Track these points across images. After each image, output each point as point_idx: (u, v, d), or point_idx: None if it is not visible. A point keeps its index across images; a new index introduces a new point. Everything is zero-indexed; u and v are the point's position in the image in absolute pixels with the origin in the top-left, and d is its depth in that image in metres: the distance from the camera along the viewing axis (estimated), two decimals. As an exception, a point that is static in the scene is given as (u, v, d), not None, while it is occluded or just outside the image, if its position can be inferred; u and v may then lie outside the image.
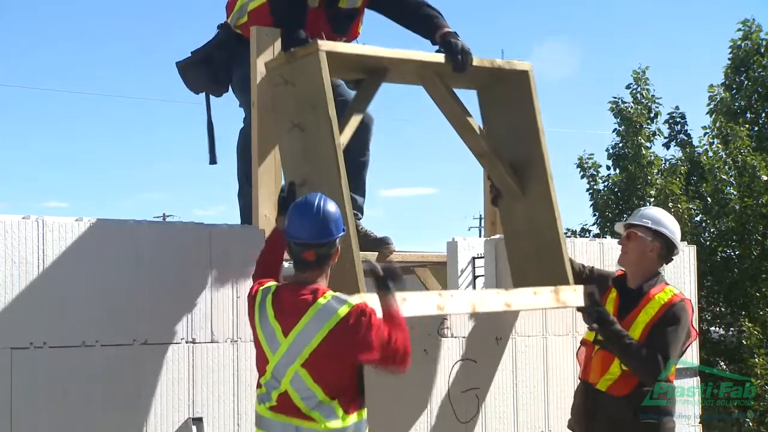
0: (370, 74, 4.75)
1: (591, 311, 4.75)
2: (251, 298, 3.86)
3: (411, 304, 4.27)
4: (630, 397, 4.63)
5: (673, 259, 4.90)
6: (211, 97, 5.30)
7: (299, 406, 3.68)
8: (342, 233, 3.85)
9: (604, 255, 5.68)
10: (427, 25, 4.88)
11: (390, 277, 3.89)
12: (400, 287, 3.94)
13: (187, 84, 5.24)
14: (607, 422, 4.69)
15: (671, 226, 4.80)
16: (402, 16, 5.02)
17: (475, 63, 4.82)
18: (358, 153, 5.07)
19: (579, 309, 4.93)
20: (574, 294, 4.89)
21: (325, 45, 4.34)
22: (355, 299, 3.75)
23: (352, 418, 3.72)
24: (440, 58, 4.76)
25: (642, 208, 5.08)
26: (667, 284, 4.77)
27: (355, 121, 4.60)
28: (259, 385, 3.83)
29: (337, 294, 3.74)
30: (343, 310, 3.66)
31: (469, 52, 4.76)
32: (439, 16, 4.88)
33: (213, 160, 5.30)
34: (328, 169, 4.24)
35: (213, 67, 5.15)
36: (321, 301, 3.68)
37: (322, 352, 3.66)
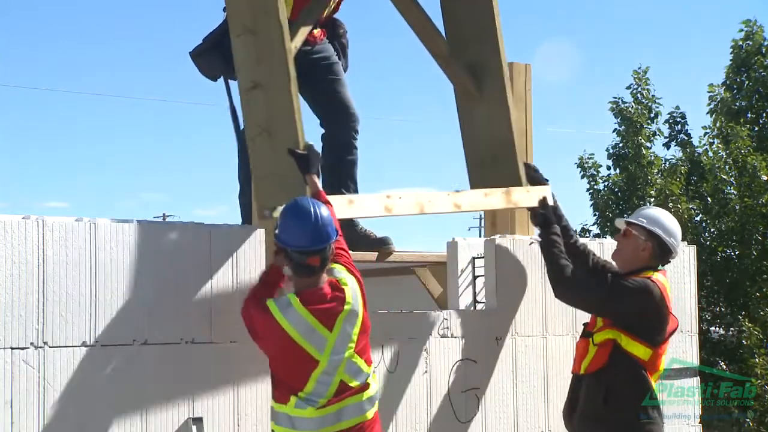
0: None
1: (538, 214, 4.96)
2: (263, 310, 3.90)
3: (359, 206, 4.41)
4: (599, 375, 4.64)
5: (669, 261, 4.89)
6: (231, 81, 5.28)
7: (353, 386, 3.91)
8: (337, 236, 3.98)
9: (604, 255, 5.67)
10: None
11: (312, 157, 4.24)
12: (317, 166, 4.28)
13: (202, 72, 5.22)
14: (581, 417, 4.72)
15: (670, 228, 4.78)
16: None
17: None
18: (345, 152, 5.07)
19: (530, 210, 5.11)
20: (527, 195, 5.06)
21: None
22: (344, 270, 3.99)
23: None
24: None
25: (645, 207, 5.11)
26: (654, 273, 4.75)
27: (306, 27, 4.71)
28: (295, 394, 3.88)
29: (340, 275, 3.96)
30: (355, 285, 3.95)
31: None
32: None
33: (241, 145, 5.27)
34: (279, 73, 4.34)
35: (225, 52, 5.15)
36: (347, 291, 3.91)
37: (362, 330, 3.97)
